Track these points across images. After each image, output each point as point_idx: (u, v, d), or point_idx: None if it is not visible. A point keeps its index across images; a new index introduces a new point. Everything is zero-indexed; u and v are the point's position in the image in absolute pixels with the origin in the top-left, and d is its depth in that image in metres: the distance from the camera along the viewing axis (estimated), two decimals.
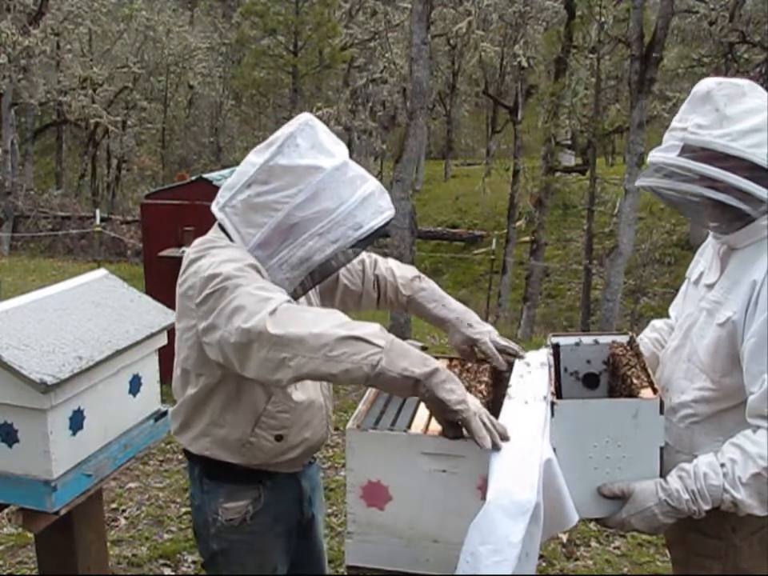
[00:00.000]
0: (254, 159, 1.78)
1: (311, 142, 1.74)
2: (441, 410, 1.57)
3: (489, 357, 2.05)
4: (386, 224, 1.75)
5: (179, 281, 1.79)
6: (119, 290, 2.44)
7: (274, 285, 1.69)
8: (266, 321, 1.52)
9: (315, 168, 1.72)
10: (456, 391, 1.55)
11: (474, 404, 1.60)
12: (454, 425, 1.59)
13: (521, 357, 2.06)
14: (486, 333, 2.07)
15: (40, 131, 22.71)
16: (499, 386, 2.06)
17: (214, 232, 1.85)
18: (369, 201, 1.74)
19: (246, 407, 1.83)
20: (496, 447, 1.60)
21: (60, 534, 2.23)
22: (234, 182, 1.79)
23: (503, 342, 2.07)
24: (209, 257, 1.72)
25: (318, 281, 1.89)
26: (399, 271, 2.17)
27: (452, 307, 2.12)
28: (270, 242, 1.74)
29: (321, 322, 1.54)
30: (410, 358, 1.53)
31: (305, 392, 1.89)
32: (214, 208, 1.82)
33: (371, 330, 1.53)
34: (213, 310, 1.63)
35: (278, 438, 1.86)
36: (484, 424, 1.58)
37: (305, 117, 1.79)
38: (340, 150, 1.79)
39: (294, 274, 1.75)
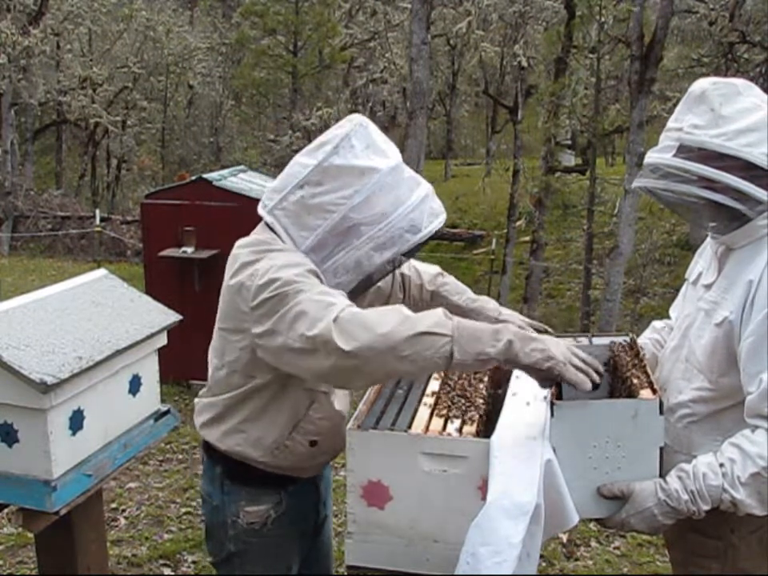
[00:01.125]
0: (305, 161, 1.74)
1: (366, 143, 1.72)
2: (533, 374, 1.57)
3: None
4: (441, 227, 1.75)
5: (230, 282, 1.73)
6: (119, 289, 2.44)
7: (334, 289, 1.65)
8: (332, 330, 1.50)
9: (371, 169, 1.69)
10: (537, 349, 1.53)
11: (560, 352, 1.56)
12: (548, 378, 1.58)
13: (550, 333, 2.08)
14: (510, 315, 2.12)
15: (40, 131, 22.71)
16: (500, 384, 2.07)
17: (265, 233, 1.79)
18: (425, 203, 1.72)
19: (287, 410, 1.81)
20: (595, 384, 1.59)
21: (60, 534, 2.23)
22: (283, 185, 1.75)
23: (529, 321, 2.11)
24: (266, 260, 1.68)
25: (365, 288, 1.83)
26: (423, 268, 2.18)
27: (474, 297, 2.17)
28: (324, 246, 1.71)
29: (385, 322, 1.50)
30: (481, 339, 1.51)
31: (341, 402, 1.89)
32: (262, 211, 1.78)
33: (435, 319, 1.51)
34: (272, 314, 1.60)
35: (312, 444, 1.85)
36: (578, 368, 1.56)
37: (358, 118, 1.77)
38: (393, 151, 1.76)
39: (348, 278, 1.72)
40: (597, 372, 1.60)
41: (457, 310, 2.11)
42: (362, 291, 1.82)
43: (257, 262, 1.69)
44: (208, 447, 1.93)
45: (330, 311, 1.53)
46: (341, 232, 1.70)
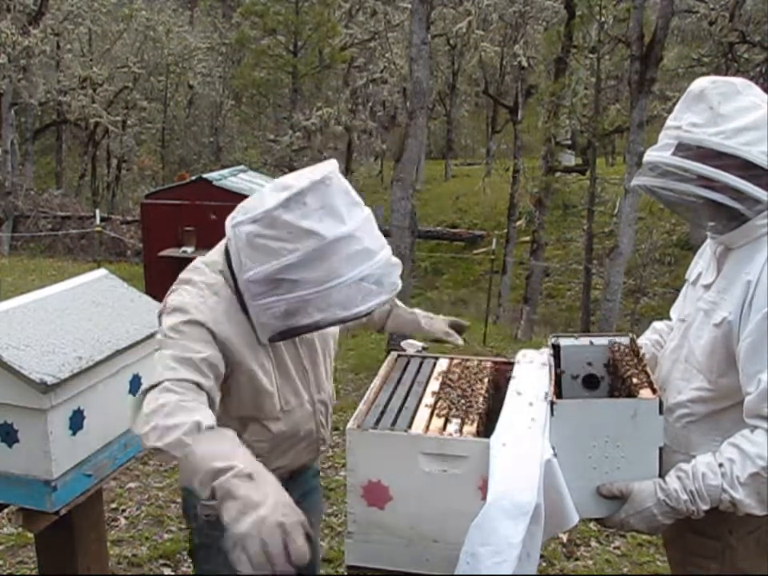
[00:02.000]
0: (268, 197, 1.68)
1: (321, 203, 1.63)
2: None
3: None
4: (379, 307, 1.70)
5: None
6: (119, 289, 2.44)
7: (194, 351, 1.67)
8: (133, 403, 1.65)
9: (315, 234, 1.61)
10: (234, 508, 1.37)
11: (253, 525, 1.33)
12: None
13: (464, 326, 2.35)
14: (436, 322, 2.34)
15: (40, 131, 22.71)
16: (500, 384, 2.07)
17: (216, 254, 1.84)
18: (361, 284, 1.63)
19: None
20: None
21: (60, 534, 2.23)
22: (250, 207, 1.72)
23: (449, 320, 2.36)
24: (176, 293, 1.77)
25: (293, 336, 1.81)
26: None
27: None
28: (261, 284, 1.68)
29: (144, 422, 1.57)
30: (196, 473, 1.46)
31: (287, 422, 1.90)
32: (228, 223, 1.77)
33: (175, 438, 1.50)
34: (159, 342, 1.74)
35: None
36: (251, 553, 1.32)
37: (327, 170, 1.68)
38: (354, 215, 1.66)
39: (275, 323, 1.70)
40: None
41: (411, 322, 2.32)
42: (290, 337, 1.79)
43: (173, 292, 1.79)
44: None
45: (149, 383, 1.64)
46: (275, 280, 1.66)
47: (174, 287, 1.81)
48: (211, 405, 1.68)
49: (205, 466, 1.45)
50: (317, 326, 1.71)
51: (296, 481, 2.04)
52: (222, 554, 1.90)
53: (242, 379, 1.80)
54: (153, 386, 1.62)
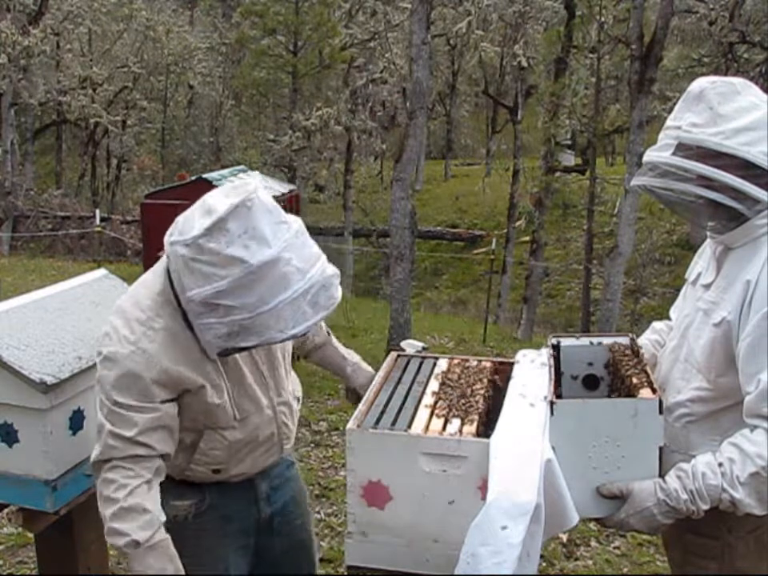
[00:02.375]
0: (196, 220, 1.63)
1: (244, 227, 1.58)
2: None
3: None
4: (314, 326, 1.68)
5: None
6: (119, 289, 2.44)
7: (130, 425, 1.71)
8: (94, 467, 1.74)
9: (240, 261, 1.57)
10: None
11: None
12: None
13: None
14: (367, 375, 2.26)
15: (40, 131, 22.74)
16: (500, 384, 2.07)
17: (158, 270, 1.81)
18: (296, 304, 1.59)
19: (181, 441, 1.85)
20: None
21: (60, 534, 2.23)
22: (183, 227, 1.66)
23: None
24: (108, 336, 1.74)
25: (239, 351, 1.79)
26: None
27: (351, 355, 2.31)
28: (200, 304, 1.65)
29: (102, 506, 1.71)
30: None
31: (244, 430, 1.89)
32: (166, 239, 1.72)
33: (118, 544, 1.68)
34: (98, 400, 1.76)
35: (215, 471, 1.91)
36: None
37: (248, 190, 1.61)
38: (280, 235, 1.60)
39: (217, 342, 1.68)
40: None
41: (341, 360, 2.27)
42: (238, 353, 1.79)
43: (107, 333, 1.75)
44: None
45: (98, 453, 1.73)
46: (213, 303, 1.63)
47: (110, 318, 1.78)
48: (164, 458, 1.76)
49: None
50: (259, 346, 1.70)
51: (265, 476, 2.04)
52: (191, 552, 1.94)
53: (193, 397, 1.80)
54: (104, 461, 1.72)
